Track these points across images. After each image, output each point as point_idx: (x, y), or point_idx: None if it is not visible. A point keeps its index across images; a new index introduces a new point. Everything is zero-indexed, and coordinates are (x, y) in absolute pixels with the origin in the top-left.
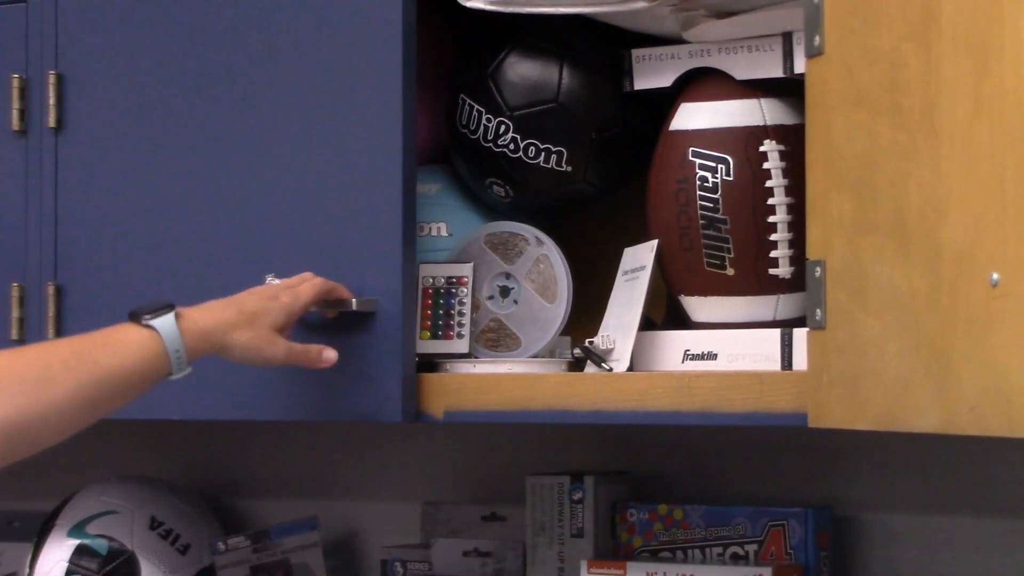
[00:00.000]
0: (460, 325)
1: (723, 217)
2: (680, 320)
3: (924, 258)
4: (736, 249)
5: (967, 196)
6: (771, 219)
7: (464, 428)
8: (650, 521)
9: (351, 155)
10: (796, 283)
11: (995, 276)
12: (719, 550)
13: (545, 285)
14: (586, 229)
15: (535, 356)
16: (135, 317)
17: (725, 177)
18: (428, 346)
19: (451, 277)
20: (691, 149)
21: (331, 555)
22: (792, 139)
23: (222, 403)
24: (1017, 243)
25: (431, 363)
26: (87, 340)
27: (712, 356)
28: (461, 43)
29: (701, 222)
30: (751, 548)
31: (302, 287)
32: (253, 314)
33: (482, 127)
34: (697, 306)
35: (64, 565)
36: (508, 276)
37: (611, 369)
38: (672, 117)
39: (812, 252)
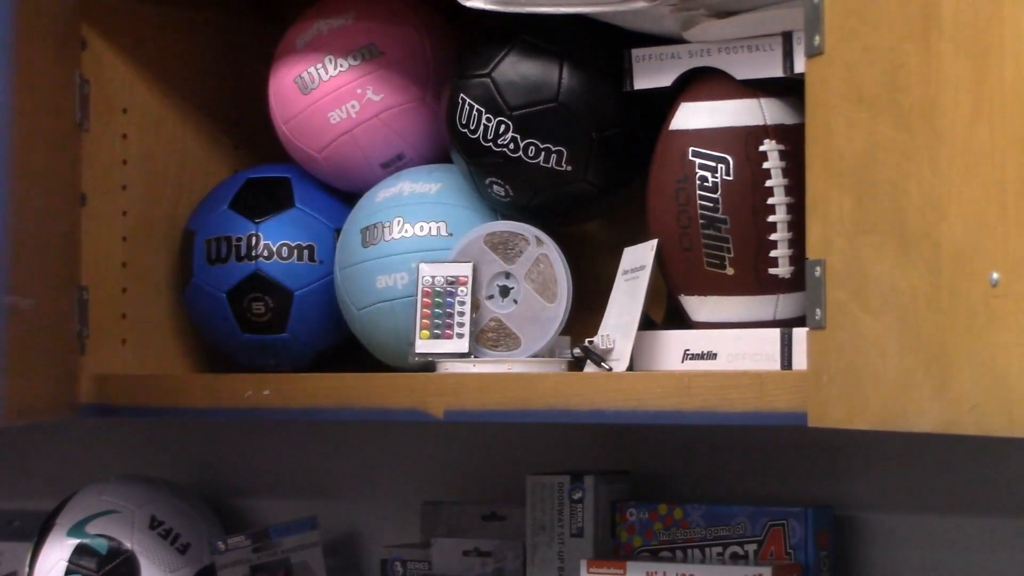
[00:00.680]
0: (460, 325)
1: (723, 217)
2: (680, 320)
3: (924, 258)
4: (736, 249)
5: (967, 196)
6: (771, 219)
7: (464, 428)
8: (650, 521)
9: None
10: (796, 283)
11: (995, 276)
12: (719, 550)
13: (545, 285)
14: (586, 229)
15: (535, 356)
16: None
17: (725, 177)
18: (428, 345)
19: (451, 277)
20: (691, 149)
21: (331, 554)
22: (792, 139)
23: None
24: (1017, 243)
25: (431, 363)
26: None
27: (712, 356)
28: (461, 42)
29: (701, 222)
30: (751, 548)
31: None
32: None
33: (482, 126)
34: (697, 306)
35: (64, 564)
36: (508, 276)
37: (611, 369)
38: (672, 117)
39: (812, 252)
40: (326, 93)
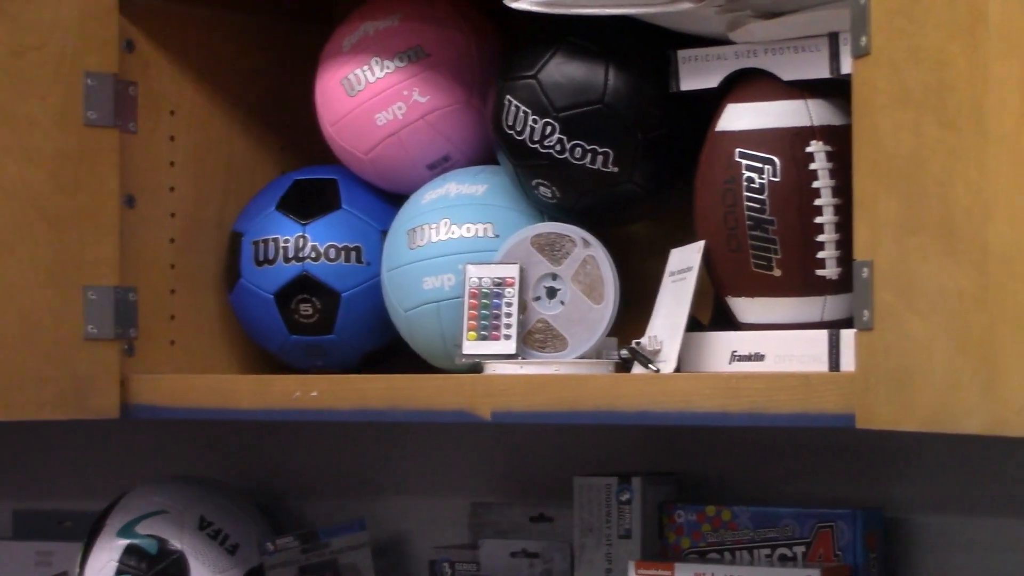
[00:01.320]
0: (507, 326)
1: (770, 218)
2: (727, 321)
3: (971, 258)
4: (783, 250)
5: (1015, 195)
6: (818, 220)
7: (512, 429)
8: (698, 522)
9: None
10: (843, 284)
11: None
12: (767, 551)
13: (592, 286)
14: (632, 230)
15: (582, 357)
16: None
17: (772, 178)
18: (475, 347)
19: (498, 278)
20: (737, 150)
21: (380, 555)
22: (839, 139)
23: None
24: None
25: (478, 364)
26: None
27: (759, 357)
28: (507, 44)
29: (748, 223)
30: (799, 549)
31: None
32: None
33: (528, 128)
34: (744, 307)
35: (114, 565)
36: (555, 277)
37: (658, 370)
38: (718, 118)
39: (859, 253)
40: (373, 95)
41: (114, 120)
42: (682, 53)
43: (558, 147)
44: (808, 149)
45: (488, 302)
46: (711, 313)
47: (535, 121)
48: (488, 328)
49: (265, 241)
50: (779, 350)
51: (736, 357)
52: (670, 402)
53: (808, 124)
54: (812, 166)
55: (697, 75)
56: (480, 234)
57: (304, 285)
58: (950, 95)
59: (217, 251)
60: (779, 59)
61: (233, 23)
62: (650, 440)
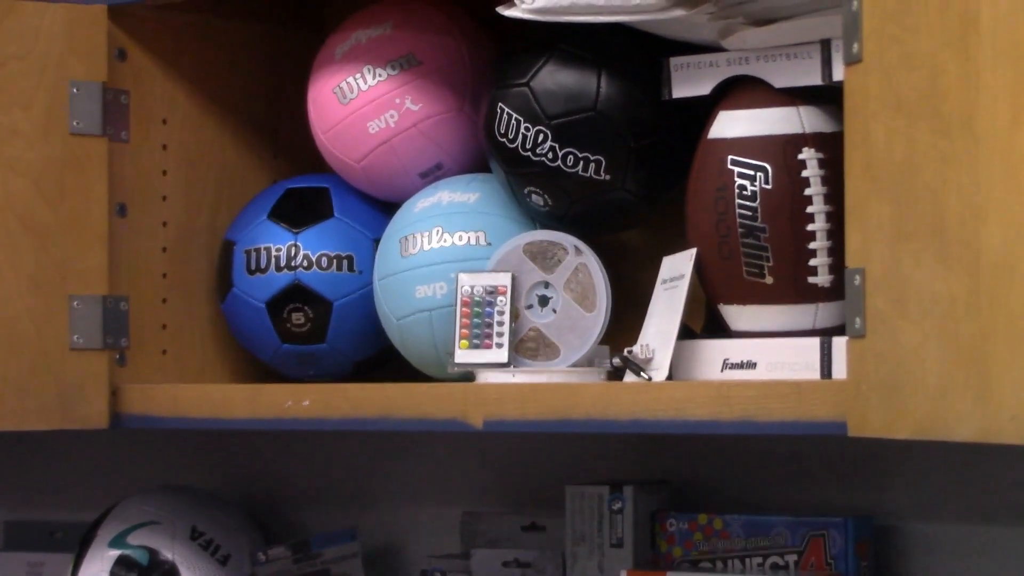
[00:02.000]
0: (499, 335)
1: (762, 225)
2: (719, 329)
3: (964, 265)
4: (775, 257)
5: (1007, 203)
6: (810, 227)
7: (503, 437)
8: (690, 531)
9: None
10: (835, 291)
11: None
12: (759, 560)
13: (584, 294)
14: (625, 238)
15: (574, 365)
16: None
17: (764, 185)
18: (467, 355)
19: (490, 286)
20: (729, 157)
21: (371, 565)
22: (831, 147)
23: None
24: None
25: (470, 373)
26: None
27: (751, 365)
28: (499, 52)
29: (740, 230)
30: (791, 558)
31: None
32: None
33: (520, 135)
34: (736, 315)
35: None
36: (547, 285)
37: (650, 378)
38: (710, 125)
39: (851, 260)
40: (365, 103)
41: (102, 129)
42: (674, 60)
43: (550, 155)
44: (800, 156)
45: (480, 310)
46: (703, 321)
47: (527, 129)
48: (480, 336)
49: (257, 250)
50: (771, 358)
51: (728, 365)
52: (662, 410)
53: (800, 131)
54: (804, 173)
55: (689, 82)
56: (472, 242)
57: (296, 294)
58: (942, 102)
59: (209, 260)
60: (771, 66)
61: (225, 31)
62: (642, 449)
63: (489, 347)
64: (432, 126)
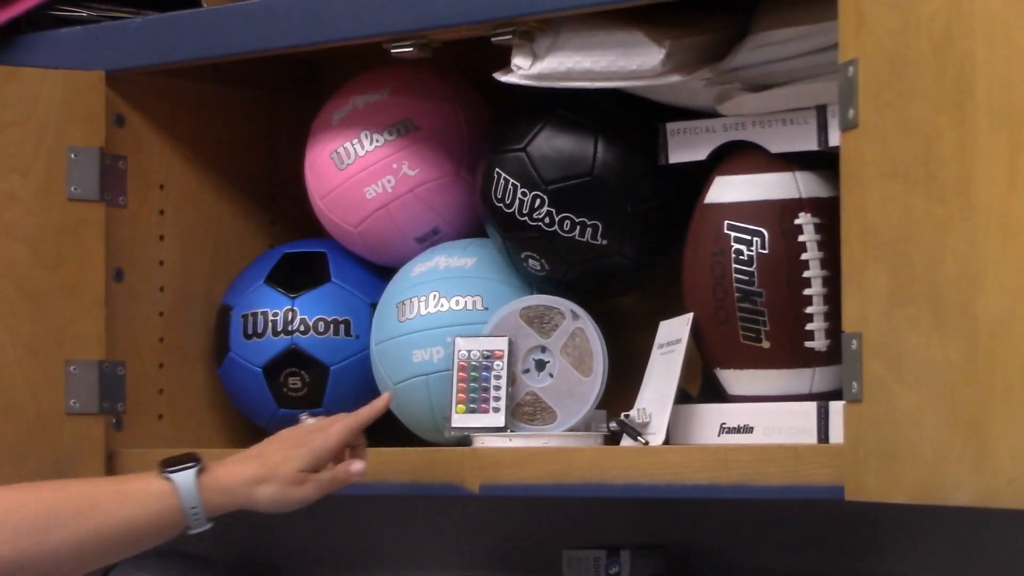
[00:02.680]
0: (496, 399)
1: (758, 290)
2: (716, 393)
3: (960, 330)
4: (772, 322)
5: (1003, 268)
6: (807, 292)
7: (501, 501)
8: None
9: None
10: (832, 356)
11: None
12: None
13: (581, 359)
14: (621, 302)
15: (571, 430)
16: (160, 467)
17: (760, 250)
18: (464, 420)
19: (486, 351)
20: (726, 222)
21: None
22: (827, 212)
23: None
24: None
25: (467, 437)
26: (106, 485)
27: (748, 429)
28: (496, 117)
29: (736, 295)
30: None
31: (332, 428)
32: (276, 464)
33: (517, 200)
34: (733, 379)
35: None
36: (544, 350)
37: (647, 442)
38: (707, 190)
39: (848, 324)
40: (362, 168)
41: (100, 194)
42: (671, 126)
43: (547, 219)
44: (796, 221)
45: (477, 375)
46: (700, 385)
47: (524, 194)
48: (477, 401)
49: (254, 314)
50: (768, 422)
51: (725, 429)
52: (659, 474)
53: (796, 196)
54: (800, 238)
55: (686, 148)
56: (469, 307)
57: (293, 358)
58: (938, 168)
59: (206, 325)
60: (767, 132)
61: (223, 97)
62: (639, 513)
63: (486, 411)
64: (429, 191)
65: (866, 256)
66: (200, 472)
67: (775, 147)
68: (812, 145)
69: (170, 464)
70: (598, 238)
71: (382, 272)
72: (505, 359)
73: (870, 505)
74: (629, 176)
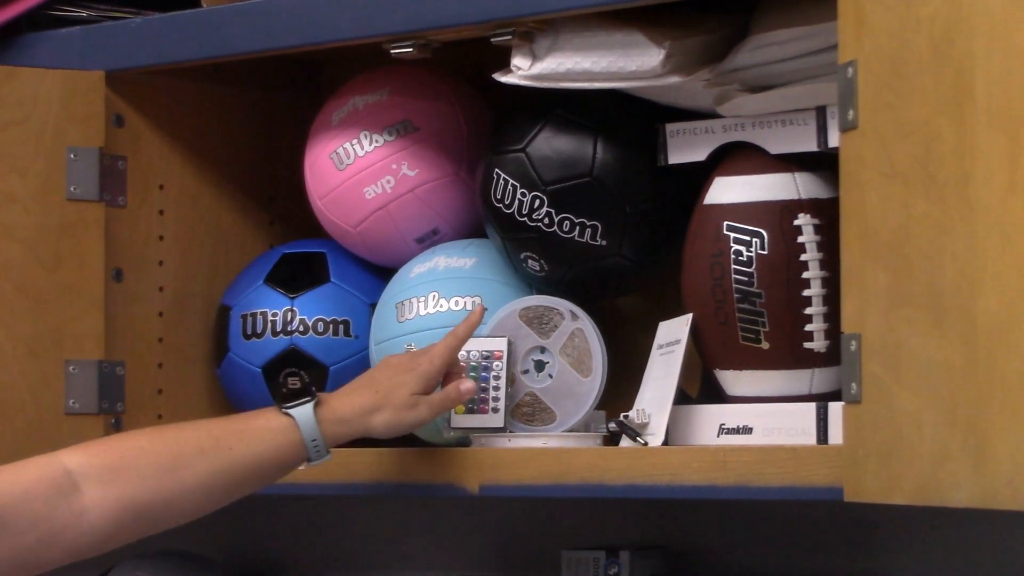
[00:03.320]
0: (495, 400)
1: (758, 291)
2: (715, 394)
3: (959, 331)
4: (771, 323)
5: (1002, 269)
6: (806, 293)
7: (500, 502)
8: None
9: None
10: (831, 357)
11: None
12: None
13: (580, 359)
14: (621, 303)
15: (570, 430)
16: (277, 402)
17: (760, 251)
18: (463, 420)
19: (486, 351)
20: (725, 223)
21: None
22: (827, 213)
23: None
24: None
25: (466, 438)
26: (227, 424)
27: (747, 430)
28: (496, 118)
29: (736, 296)
30: None
31: (435, 350)
32: (388, 391)
33: (517, 201)
34: (732, 380)
35: None
36: (543, 350)
37: (646, 443)
38: (706, 191)
39: (847, 326)
40: (361, 168)
41: (99, 194)
42: (670, 127)
43: (546, 220)
44: (796, 222)
45: (476, 375)
46: (699, 386)
47: (523, 194)
48: (476, 401)
49: (253, 315)
50: (767, 423)
51: (724, 430)
52: (658, 475)
53: (796, 197)
54: (800, 239)
55: (685, 148)
56: (468, 307)
57: (292, 359)
58: (937, 169)
59: (205, 325)
60: (767, 132)
61: (222, 97)
62: (638, 513)
63: (485, 412)
64: (428, 192)
65: (865, 257)
66: (317, 405)
67: (774, 148)
68: (812, 146)
69: (288, 398)
70: (597, 239)
71: (381, 272)
72: (504, 359)
73: (869, 506)
74: (628, 177)
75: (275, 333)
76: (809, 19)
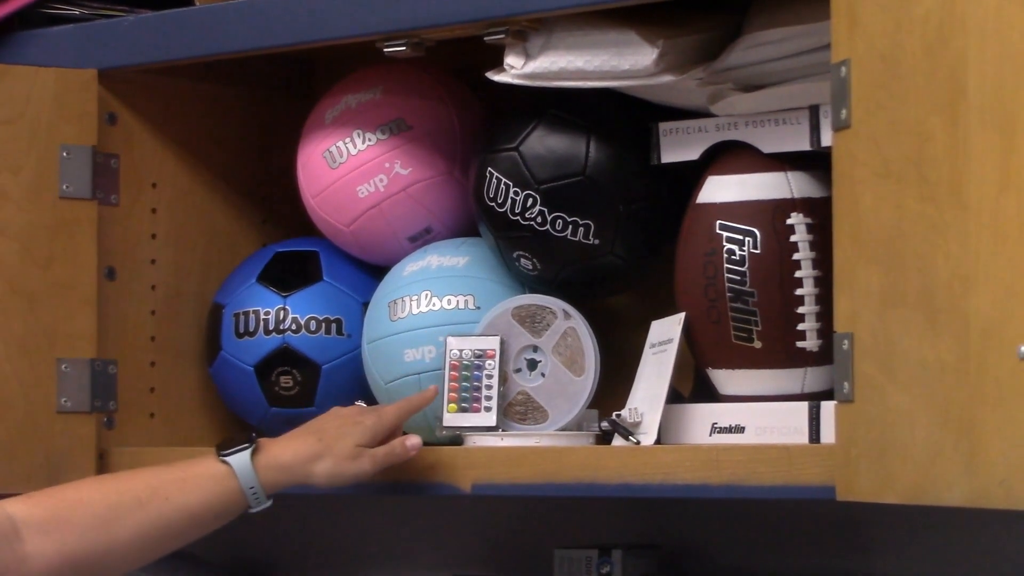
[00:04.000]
0: (488, 398)
1: (750, 290)
2: (708, 393)
3: (952, 331)
4: (763, 322)
5: (995, 269)
6: (798, 292)
7: (492, 501)
8: None
9: None
10: (824, 356)
11: (1023, 349)
12: None
13: (573, 358)
14: (613, 302)
15: (563, 429)
16: (217, 451)
17: (752, 250)
18: (455, 419)
19: (478, 350)
20: (718, 222)
21: None
22: (819, 212)
23: None
24: None
25: (458, 436)
26: (166, 473)
27: (740, 429)
28: (489, 116)
29: (728, 295)
30: None
31: (386, 409)
32: (333, 440)
33: (509, 200)
34: (725, 379)
35: None
36: (536, 349)
37: (639, 442)
38: (699, 190)
39: (840, 325)
40: (354, 167)
41: (92, 192)
42: (663, 126)
43: (539, 219)
44: (789, 221)
45: (469, 374)
46: (691, 385)
47: (516, 193)
48: (469, 400)
49: (246, 313)
50: (759, 422)
51: (716, 429)
52: (651, 474)
53: (788, 196)
54: (793, 238)
55: (678, 147)
56: (461, 306)
57: (285, 357)
58: (930, 168)
59: (198, 323)
60: (759, 132)
61: (215, 96)
62: (631, 512)
63: (478, 411)
64: (421, 190)
65: (858, 256)
66: (255, 452)
67: (767, 147)
68: (804, 145)
69: (225, 446)
70: (590, 238)
71: (374, 271)
72: (497, 358)
73: (862, 505)
74: (621, 176)
75: (267, 332)
76: (802, 18)
